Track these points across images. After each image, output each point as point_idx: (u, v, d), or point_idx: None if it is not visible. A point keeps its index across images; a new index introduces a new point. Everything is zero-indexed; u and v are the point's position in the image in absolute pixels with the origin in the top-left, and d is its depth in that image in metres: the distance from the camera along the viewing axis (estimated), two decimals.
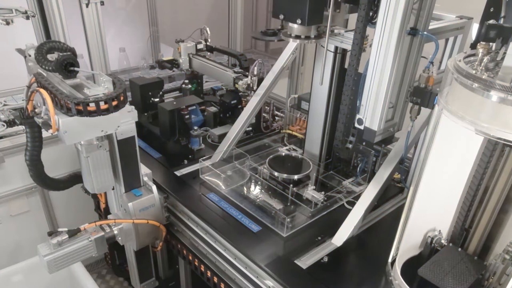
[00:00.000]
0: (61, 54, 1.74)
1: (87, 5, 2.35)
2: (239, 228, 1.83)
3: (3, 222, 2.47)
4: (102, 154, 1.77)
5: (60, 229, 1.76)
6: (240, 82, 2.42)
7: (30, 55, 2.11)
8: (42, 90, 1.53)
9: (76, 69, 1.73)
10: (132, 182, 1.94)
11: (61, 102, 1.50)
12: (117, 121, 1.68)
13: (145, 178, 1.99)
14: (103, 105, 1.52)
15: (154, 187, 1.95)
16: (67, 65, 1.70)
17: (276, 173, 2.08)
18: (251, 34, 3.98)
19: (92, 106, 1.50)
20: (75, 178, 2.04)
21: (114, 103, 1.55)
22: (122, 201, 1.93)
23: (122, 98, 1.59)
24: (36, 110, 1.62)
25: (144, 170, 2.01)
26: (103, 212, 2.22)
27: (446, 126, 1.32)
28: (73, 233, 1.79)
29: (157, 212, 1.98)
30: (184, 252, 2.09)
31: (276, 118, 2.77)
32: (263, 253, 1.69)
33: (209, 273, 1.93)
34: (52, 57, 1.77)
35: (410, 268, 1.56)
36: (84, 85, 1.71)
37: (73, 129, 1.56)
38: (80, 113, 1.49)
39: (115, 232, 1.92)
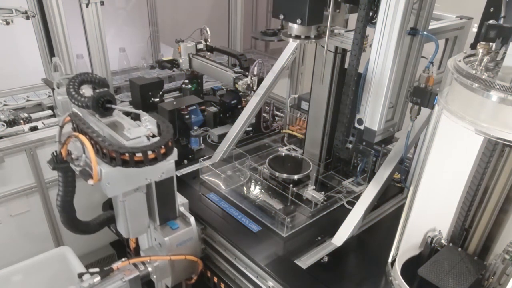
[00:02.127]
0: (96, 90, 1.56)
1: (87, 5, 2.35)
2: (239, 228, 1.83)
3: (3, 222, 2.47)
4: (139, 196, 1.60)
5: (91, 270, 1.61)
6: (240, 82, 2.42)
7: (58, 87, 1.99)
8: (83, 138, 1.37)
9: (113, 106, 1.56)
10: (167, 215, 1.75)
11: (103, 151, 1.34)
12: (162, 168, 1.54)
13: (181, 208, 1.80)
14: (150, 154, 1.37)
15: (192, 219, 1.76)
16: (104, 102, 1.53)
17: (276, 173, 2.08)
18: (251, 34, 3.98)
19: (139, 156, 1.34)
20: (108, 221, 1.81)
21: (162, 151, 1.39)
22: (157, 235, 1.74)
23: (170, 144, 1.43)
24: (73, 156, 1.44)
25: (180, 199, 1.81)
26: (130, 248, 2.06)
27: (446, 126, 1.32)
28: (106, 274, 1.63)
29: (195, 245, 1.80)
30: None
31: (276, 118, 2.77)
32: (263, 253, 1.69)
33: (209, 273, 1.93)
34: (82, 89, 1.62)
35: (410, 268, 1.56)
36: (121, 124, 1.54)
37: (117, 180, 1.42)
38: (125, 163, 1.34)
39: (150, 269, 1.73)
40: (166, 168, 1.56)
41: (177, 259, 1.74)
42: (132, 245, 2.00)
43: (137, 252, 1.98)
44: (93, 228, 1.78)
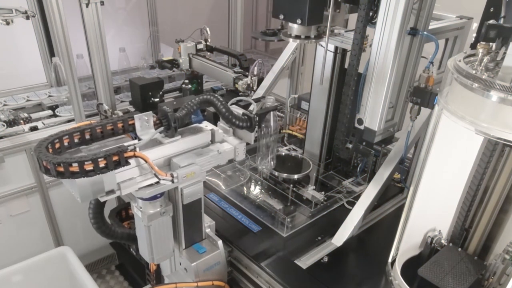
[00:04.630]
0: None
1: (87, 5, 2.35)
2: (239, 228, 1.83)
3: (3, 222, 2.47)
4: (165, 220, 1.50)
5: None
6: (240, 82, 2.42)
7: None
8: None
9: None
10: (193, 237, 1.65)
11: None
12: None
13: (208, 230, 1.69)
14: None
15: (219, 242, 1.65)
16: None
17: (276, 173, 2.08)
18: (251, 34, 3.98)
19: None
20: (128, 238, 1.68)
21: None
22: (183, 260, 1.63)
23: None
24: None
25: (207, 220, 1.70)
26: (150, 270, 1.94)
27: (446, 126, 1.32)
28: None
29: (222, 270, 1.70)
30: None
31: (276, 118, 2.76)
32: (263, 253, 1.69)
33: None
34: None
35: (410, 268, 1.56)
36: None
37: None
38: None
39: None
40: (189, 185, 1.47)
41: (204, 285, 1.64)
42: (152, 267, 1.89)
43: (157, 274, 1.90)
44: (114, 235, 1.64)
